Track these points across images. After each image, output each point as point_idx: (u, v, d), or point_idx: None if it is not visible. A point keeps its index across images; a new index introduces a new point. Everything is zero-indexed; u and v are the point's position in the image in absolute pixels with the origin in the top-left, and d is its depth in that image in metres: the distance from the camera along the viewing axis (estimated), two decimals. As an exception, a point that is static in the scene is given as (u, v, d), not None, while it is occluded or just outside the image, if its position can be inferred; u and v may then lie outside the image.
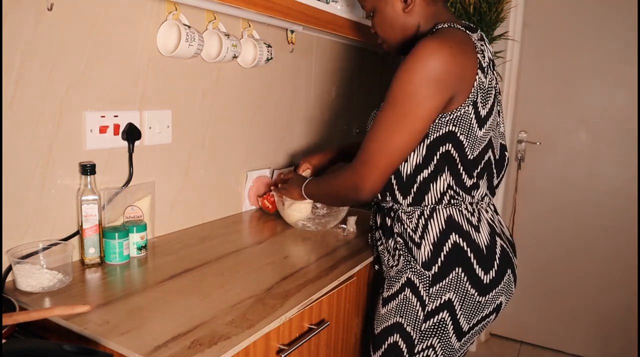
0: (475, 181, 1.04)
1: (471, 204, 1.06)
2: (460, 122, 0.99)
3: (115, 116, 1.17)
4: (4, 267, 0.98)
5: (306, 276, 1.08)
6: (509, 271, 1.06)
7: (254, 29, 1.51)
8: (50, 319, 0.84)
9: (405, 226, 1.06)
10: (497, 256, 1.04)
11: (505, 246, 1.07)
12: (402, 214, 1.07)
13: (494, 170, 1.09)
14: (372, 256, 1.26)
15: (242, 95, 1.56)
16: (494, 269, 1.03)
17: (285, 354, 0.92)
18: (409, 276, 1.05)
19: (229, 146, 1.54)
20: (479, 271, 1.02)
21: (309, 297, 1.00)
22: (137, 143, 1.21)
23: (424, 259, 1.03)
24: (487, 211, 1.08)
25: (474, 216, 1.05)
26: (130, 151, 1.20)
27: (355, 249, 1.29)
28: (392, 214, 1.10)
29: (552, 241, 2.52)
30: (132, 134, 1.19)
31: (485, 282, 1.02)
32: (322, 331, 1.07)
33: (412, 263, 1.05)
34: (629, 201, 2.35)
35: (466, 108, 0.98)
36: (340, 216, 1.44)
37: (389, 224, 1.11)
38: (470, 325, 1.05)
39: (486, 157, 1.05)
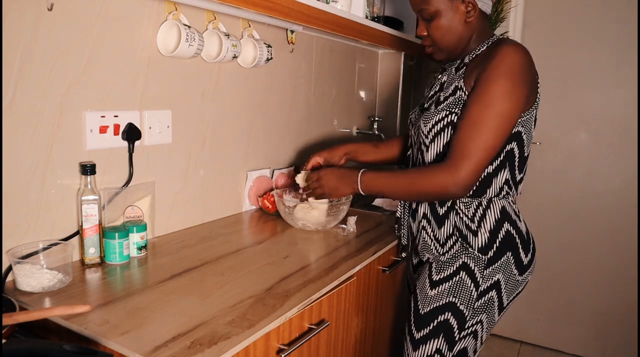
0: (522, 175, 1.18)
1: (514, 196, 1.19)
2: (526, 123, 1.11)
3: (115, 116, 1.17)
4: (4, 267, 0.98)
5: (306, 276, 1.08)
6: (535, 254, 1.21)
7: (254, 29, 1.51)
8: (50, 319, 0.84)
9: (462, 215, 1.15)
10: (532, 240, 1.20)
11: (531, 233, 1.22)
12: (460, 204, 1.15)
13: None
14: (396, 243, 1.37)
15: (242, 95, 1.56)
16: (530, 252, 1.18)
17: (285, 354, 0.92)
18: (465, 260, 1.14)
19: (229, 146, 1.54)
20: (522, 255, 1.16)
21: (309, 297, 1.00)
22: (137, 143, 1.21)
23: (480, 245, 1.13)
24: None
25: (516, 207, 1.19)
26: (130, 151, 1.20)
27: (355, 249, 1.29)
28: (448, 204, 1.17)
29: (552, 241, 2.52)
30: (132, 134, 1.19)
31: (524, 263, 1.16)
32: (322, 331, 1.07)
33: (469, 249, 1.14)
34: (628, 200, 2.35)
35: (533, 111, 1.11)
36: (340, 216, 1.44)
37: (441, 214, 1.18)
38: (509, 300, 1.18)
39: (528, 155, 1.19)
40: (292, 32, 1.72)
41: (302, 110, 1.88)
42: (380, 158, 1.51)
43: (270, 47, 1.50)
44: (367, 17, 1.85)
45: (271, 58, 1.52)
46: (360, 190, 1.21)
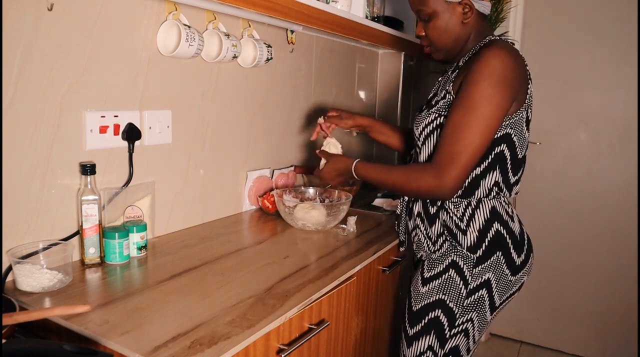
0: (517, 178, 1.17)
1: (506, 197, 1.18)
2: (516, 125, 1.11)
3: (115, 116, 1.17)
4: (4, 267, 0.98)
5: (306, 276, 1.08)
6: (532, 255, 1.21)
7: (254, 29, 1.51)
8: (50, 319, 0.84)
9: (452, 215, 1.16)
10: (526, 241, 1.19)
11: (527, 233, 1.22)
12: (450, 204, 1.17)
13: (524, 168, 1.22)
14: (398, 240, 1.40)
15: (242, 95, 1.56)
16: (523, 253, 1.17)
17: (285, 354, 0.93)
18: (454, 259, 1.16)
19: (229, 146, 1.54)
20: (514, 255, 1.15)
21: (309, 297, 1.00)
22: (137, 143, 1.21)
23: (469, 244, 1.14)
24: (512, 204, 1.23)
25: (509, 207, 1.18)
26: (130, 151, 1.20)
27: (355, 249, 1.29)
28: (438, 204, 1.19)
29: (552, 241, 2.52)
30: (132, 134, 1.19)
31: (517, 264, 1.16)
32: (322, 331, 1.07)
33: (457, 248, 1.16)
34: (628, 200, 2.35)
35: (522, 113, 1.11)
36: (340, 216, 1.44)
37: (432, 213, 1.20)
38: (501, 300, 1.18)
39: (526, 157, 1.19)
40: (292, 32, 1.72)
41: (302, 110, 1.88)
42: (391, 143, 1.52)
43: (270, 47, 1.50)
44: (367, 17, 1.85)
45: (271, 58, 1.52)
46: (355, 175, 1.29)
